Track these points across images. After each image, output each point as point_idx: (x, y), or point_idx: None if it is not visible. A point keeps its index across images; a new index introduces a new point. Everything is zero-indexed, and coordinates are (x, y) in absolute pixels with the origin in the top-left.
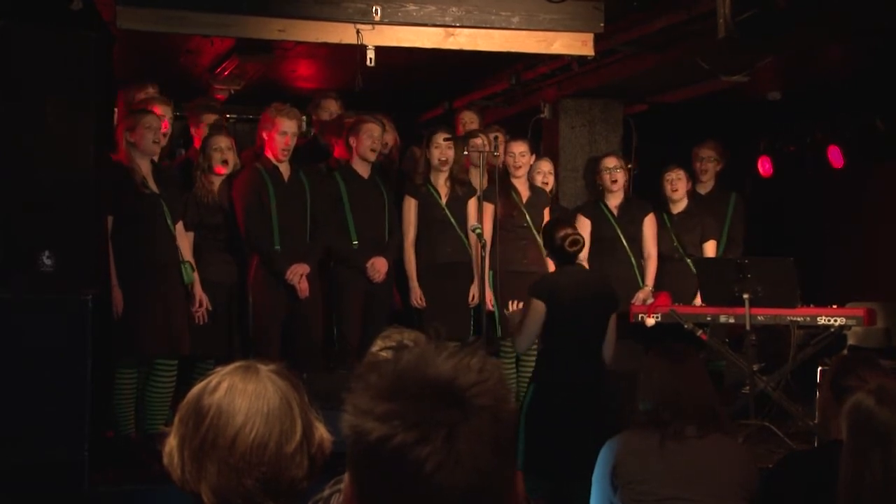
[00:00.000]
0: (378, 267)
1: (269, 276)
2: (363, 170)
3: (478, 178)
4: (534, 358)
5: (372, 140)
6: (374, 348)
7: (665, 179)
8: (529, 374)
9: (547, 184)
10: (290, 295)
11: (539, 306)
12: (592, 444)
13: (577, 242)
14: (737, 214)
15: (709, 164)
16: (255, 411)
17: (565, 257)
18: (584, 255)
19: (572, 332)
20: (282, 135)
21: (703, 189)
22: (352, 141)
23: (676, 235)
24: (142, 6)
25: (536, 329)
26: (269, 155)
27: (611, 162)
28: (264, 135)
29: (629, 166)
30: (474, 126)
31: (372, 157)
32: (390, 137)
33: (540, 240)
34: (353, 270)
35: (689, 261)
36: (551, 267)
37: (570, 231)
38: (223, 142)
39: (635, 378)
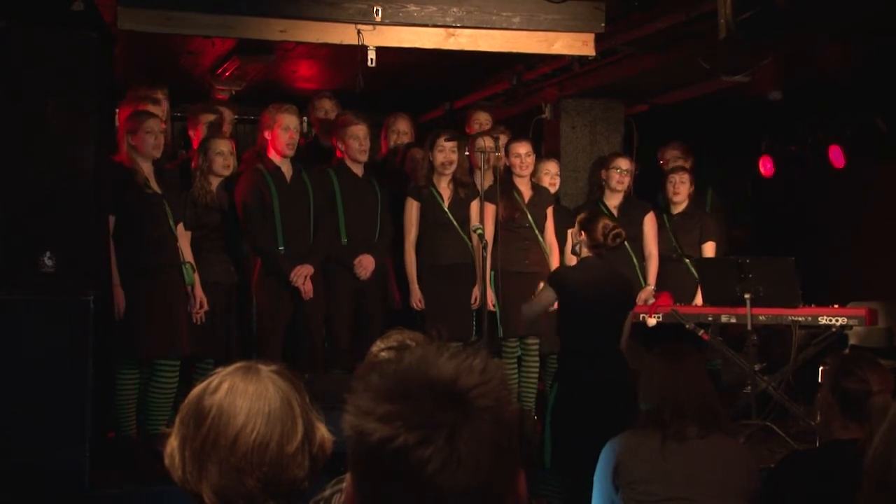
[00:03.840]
0: (365, 264)
1: (273, 277)
2: (357, 169)
3: (480, 179)
4: (535, 359)
5: (359, 142)
6: (374, 349)
7: (668, 180)
8: (531, 376)
9: (554, 184)
10: (294, 296)
11: (550, 295)
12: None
13: (620, 236)
14: (715, 210)
15: (676, 163)
16: (256, 411)
17: (604, 251)
18: (584, 255)
19: (591, 330)
20: (285, 130)
21: None
22: (340, 145)
23: (675, 236)
24: (143, 7)
25: (541, 308)
26: (273, 154)
27: (624, 164)
28: (267, 134)
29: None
30: (488, 126)
31: (362, 157)
32: (406, 137)
33: (542, 240)
34: (342, 269)
35: (687, 261)
36: (555, 266)
37: (612, 224)
38: (224, 145)
39: (636, 378)
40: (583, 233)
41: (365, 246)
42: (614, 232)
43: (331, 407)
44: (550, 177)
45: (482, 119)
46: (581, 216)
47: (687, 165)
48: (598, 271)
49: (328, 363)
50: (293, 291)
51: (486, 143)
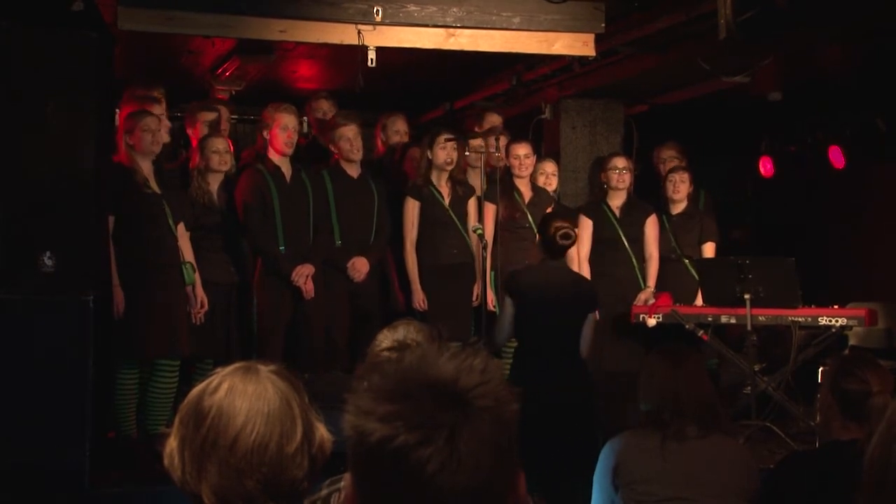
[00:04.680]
0: (358, 267)
1: (273, 277)
2: (352, 170)
3: (477, 179)
4: None
5: (349, 143)
6: (380, 337)
7: (668, 180)
8: None
9: (550, 184)
10: (295, 296)
11: (508, 302)
12: (575, 443)
13: (569, 237)
14: (707, 212)
15: (672, 163)
16: (255, 412)
17: (554, 250)
18: (584, 255)
19: (543, 331)
20: (283, 129)
21: None
22: (332, 148)
23: (674, 236)
24: (143, 7)
25: (507, 324)
26: (273, 153)
27: (620, 162)
28: (265, 134)
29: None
30: (500, 128)
31: (356, 157)
32: (398, 137)
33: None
34: (337, 271)
35: (686, 261)
36: None
37: (565, 224)
38: (220, 143)
39: (636, 378)
40: (538, 235)
41: (360, 247)
42: (561, 232)
43: (330, 407)
44: (546, 177)
45: (494, 120)
46: (540, 219)
47: (685, 165)
48: (551, 273)
49: (327, 364)
50: (294, 291)
51: (485, 143)
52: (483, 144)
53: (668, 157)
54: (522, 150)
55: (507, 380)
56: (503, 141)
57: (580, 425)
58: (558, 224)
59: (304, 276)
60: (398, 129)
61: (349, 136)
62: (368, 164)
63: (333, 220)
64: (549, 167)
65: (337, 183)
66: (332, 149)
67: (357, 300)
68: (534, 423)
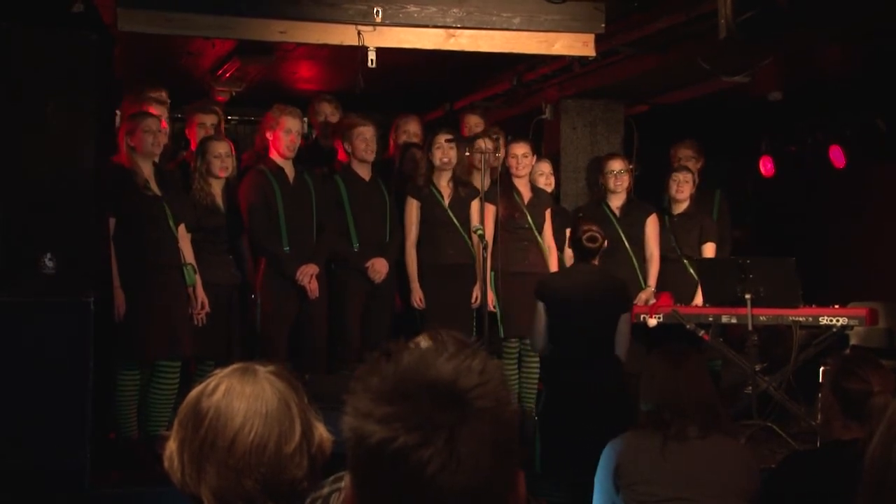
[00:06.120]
0: (378, 268)
1: (277, 278)
2: (364, 172)
3: (480, 180)
4: (536, 358)
5: (366, 143)
6: (420, 339)
7: (672, 179)
8: (532, 376)
9: (549, 185)
10: (299, 296)
11: (540, 307)
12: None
13: (595, 240)
14: (722, 212)
15: (688, 163)
16: (253, 412)
17: (582, 253)
18: None
19: (576, 333)
20: (286, 133)
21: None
22: (346, 147)
23: (675, 235)
24: (142, 8)
25: (540, 330)
26: (275, 155)
27: (615, 165)
28: (268, 135)
29: (631, 167)
30: (480, 129)
31: (370, 157)
32: (405, 137)
33: (541, 240)
34: (353, 272)
35: (685, 261)
36: (553, 267)
37: (591, 228)
38: (222, 147)
39: (638, 379)
40: (569, 239)
41: (377, 249)
42: (587, 235)
43: (331, 408)
44: (545, 177)
45: (472, 122)
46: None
47: (692, 166)
48: (583, 276)
49: (338, 364)
50: (298, 291)
51: (486, 144)
52: (490, 146)
53: (685, 156)
54: (521, 149)
55: (542, 382)
56: (502, 141)
57: (614, 426)
58: (585, 227)
59: (308, 275)
60: (407, 130)
61: (367, 137)
62: (379, 165)
63: (350, 225)
64: (545, 167)
65: (350, 186)
66: (346, 147)
67: (372, 301)
68: (569, 424)
